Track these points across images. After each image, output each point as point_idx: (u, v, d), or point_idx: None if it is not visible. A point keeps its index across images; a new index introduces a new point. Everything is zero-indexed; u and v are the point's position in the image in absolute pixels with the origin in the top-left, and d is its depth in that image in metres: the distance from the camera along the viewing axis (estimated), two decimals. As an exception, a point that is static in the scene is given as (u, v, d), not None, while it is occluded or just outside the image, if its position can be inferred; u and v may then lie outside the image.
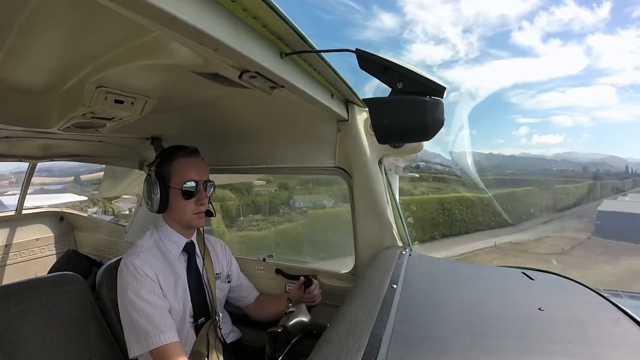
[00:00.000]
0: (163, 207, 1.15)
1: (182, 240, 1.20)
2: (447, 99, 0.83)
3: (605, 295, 0.94)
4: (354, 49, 0.77)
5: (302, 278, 1.29)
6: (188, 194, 1.14)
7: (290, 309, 1.00)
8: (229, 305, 1.38)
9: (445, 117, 0.83)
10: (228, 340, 1.25)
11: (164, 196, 1.14)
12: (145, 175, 1.18)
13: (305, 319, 0.98)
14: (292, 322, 0.95)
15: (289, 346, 0.92)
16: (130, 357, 1.05)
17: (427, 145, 1.35)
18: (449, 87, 0.80)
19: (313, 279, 1.28)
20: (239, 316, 1.40)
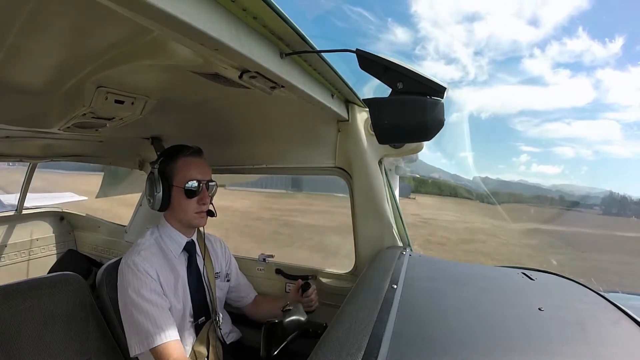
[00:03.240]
0: (165, 206, 1.16)
1: (183, 239, 1.20)
2: (450, 118, 0.83)
3: (605, 295, 0.94)
4: (354, 49, 0.77)
5: (299, 281, 1.29)
6: (190, 193, 1.14)
7: (288, 307, 1.01)
8: (228, 305, 1.38)
9: (445, 117, 0.83)
10: (228, 341, 1.25)
11: (166, 194, 1.14)
12: (148, 173, 1.19)
13: (302, 317, 0.98)
14: (289, 319, 0.96)
15: (285, 342, 0.93)
16: (131, 356, 1.05)
17: (425, 159, 1.36)
18: (449, 87, 0.80)
19: (311, 283, 1.28)
20: (238, 316, 1.40)
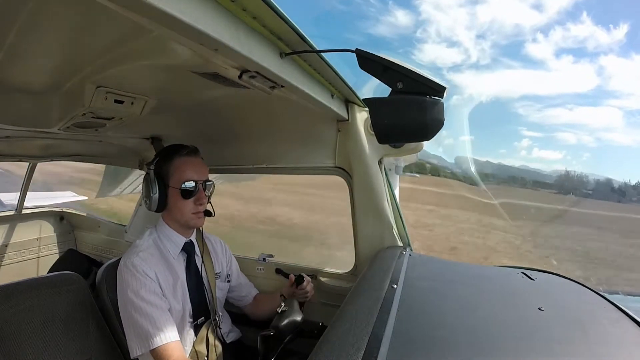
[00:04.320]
0: (161, 207, 1.15)
1: (181, 240, 1.20)
2: (451, 101, 0.83)
3: (605, 295, 0.94)
4: (354, 49, 0.77)
5: (291, 276, 1.27)
6: (187, 194, 1.14)
7: (283, 309, 1.01)
8: (228, 305, 1.38)
9: (445, 117, 0.83)
10: (228, 340, 1.25)
11: (162, 195, 1.13)
12: (144, 174, 1.18)
13: (297, 318, 0.99)
14: (284, 323, 0.97)
15: (281, 346, 0.94)
16: (131, 357, 1.05)
17: (426, 146, 1.35)
18: (448, 87, 0.80)
19: (305, 275, 1.26)
20: (238, 316, 1.40)
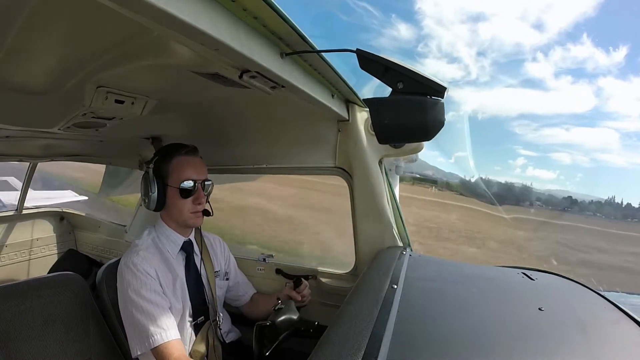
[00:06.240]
0: (160, 206, 1.15)
1: (180, 239, 1.20)
2: (448, 118, 0.83)
3: (605, 295, 0.94)
4: (355, 49, 0.77)
5: (292, 283, 1.27)
6: (186, 193, 1.14)
7: (279, 306, 1.01)
8: (227, 305, 1.38)
9: (445, 117, 0.83)
10: (227, 340, 1.25)
11: (161, 194, 1.13)
12: (143, 173, 1.18)
13: (293, 316, 0.98)
14: (280, 319, 0.96)
15: (277, 342, 0.93)
16: (132, 357, 1.05)
17: (421, 157, 1.36)
18: (449, 87, 0.80)
19: (303, 280, 1.26)
20: (238, 316, 1.40)
